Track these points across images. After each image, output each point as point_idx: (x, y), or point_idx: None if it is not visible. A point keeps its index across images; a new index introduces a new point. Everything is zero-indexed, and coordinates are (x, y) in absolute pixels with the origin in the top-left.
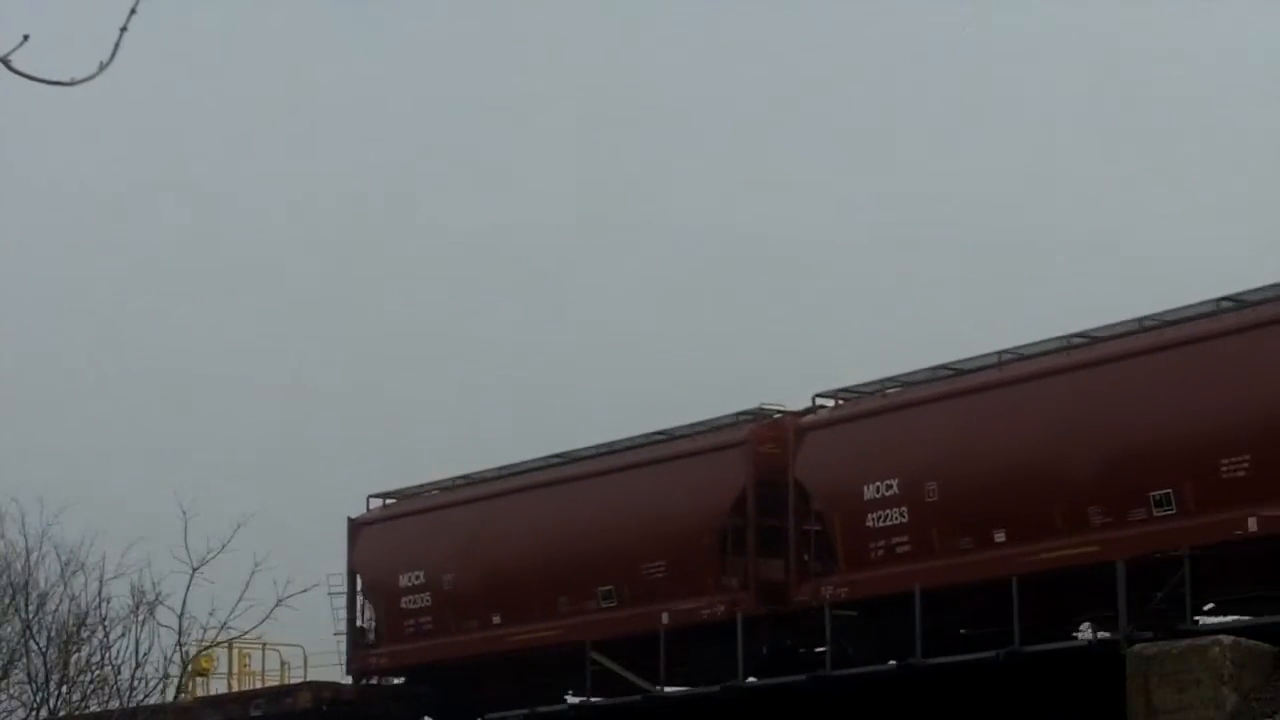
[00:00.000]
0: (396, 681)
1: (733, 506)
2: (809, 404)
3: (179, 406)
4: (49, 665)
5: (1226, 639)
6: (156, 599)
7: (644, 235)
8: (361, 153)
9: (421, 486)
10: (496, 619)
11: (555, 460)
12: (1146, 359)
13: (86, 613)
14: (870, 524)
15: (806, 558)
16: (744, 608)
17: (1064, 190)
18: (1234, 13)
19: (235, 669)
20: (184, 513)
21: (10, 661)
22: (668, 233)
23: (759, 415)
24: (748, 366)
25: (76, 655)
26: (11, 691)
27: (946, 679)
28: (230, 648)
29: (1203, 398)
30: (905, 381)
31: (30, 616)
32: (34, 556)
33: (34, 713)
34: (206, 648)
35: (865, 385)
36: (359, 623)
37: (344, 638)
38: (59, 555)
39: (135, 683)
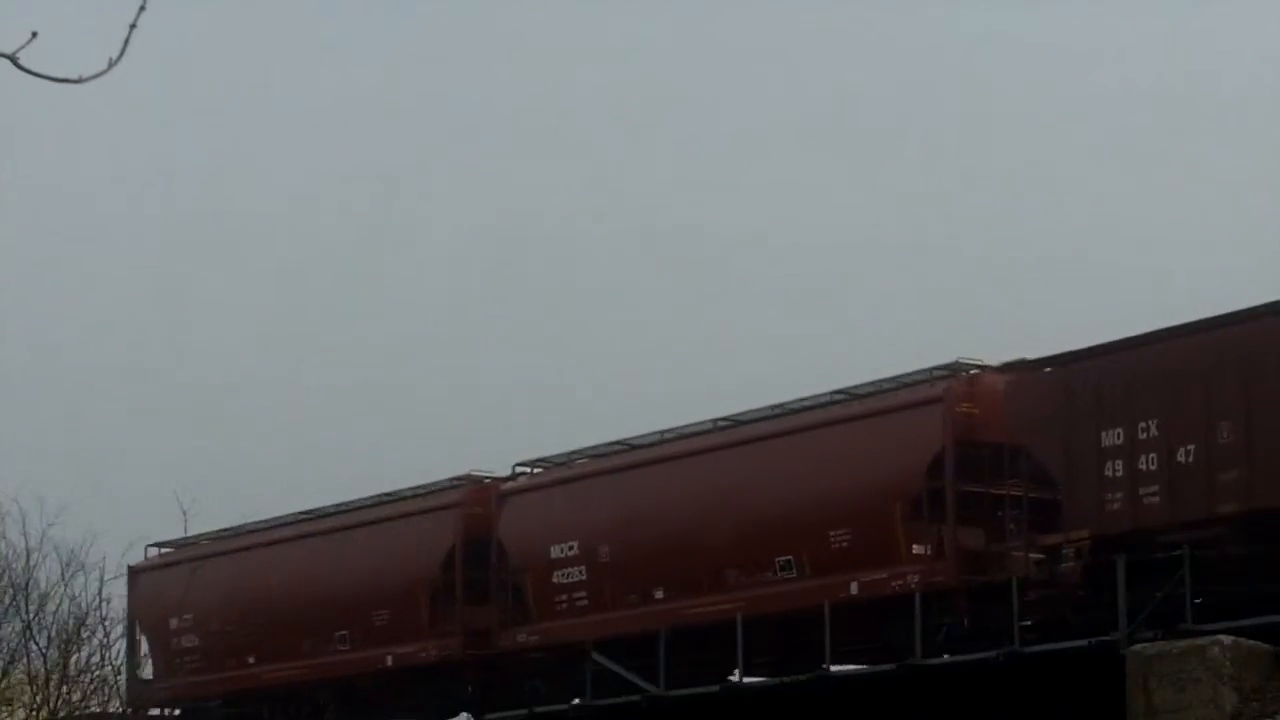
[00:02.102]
0: (174, 713)
1: (445, 562)
2: (510, 472)
3: (179, 406)
4: (49, 665)
5: (1226, 639)
6: None
7: (644, 239)
8: (360, 152)
9: (193, 538)
10: (251, 659)
11: (305, 516)
12: (774, 443)
13: (86, 613)
14: (556, 580)
15: (508, 608)
16: (454, 651)
17: (1067, 203)
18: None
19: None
20: (184, 513)
21: (10, 661)
22: (669, 236)
23: (470, 480)
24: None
25: (76, 655)
26: (12, 692)
27: (946, 679)
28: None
29: (816, 478)
30: (590, 454)
31: (30, 617)
32: (35, 557)
33: (34, 713)
34: None
35: (557, 456)
36: (136, 659)
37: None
38: (59, 556)
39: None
